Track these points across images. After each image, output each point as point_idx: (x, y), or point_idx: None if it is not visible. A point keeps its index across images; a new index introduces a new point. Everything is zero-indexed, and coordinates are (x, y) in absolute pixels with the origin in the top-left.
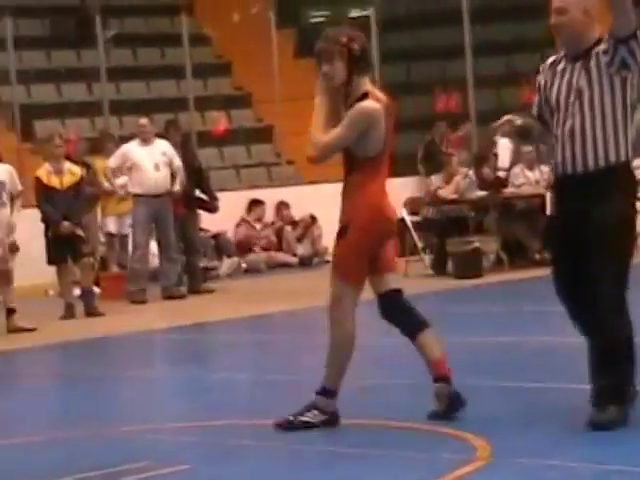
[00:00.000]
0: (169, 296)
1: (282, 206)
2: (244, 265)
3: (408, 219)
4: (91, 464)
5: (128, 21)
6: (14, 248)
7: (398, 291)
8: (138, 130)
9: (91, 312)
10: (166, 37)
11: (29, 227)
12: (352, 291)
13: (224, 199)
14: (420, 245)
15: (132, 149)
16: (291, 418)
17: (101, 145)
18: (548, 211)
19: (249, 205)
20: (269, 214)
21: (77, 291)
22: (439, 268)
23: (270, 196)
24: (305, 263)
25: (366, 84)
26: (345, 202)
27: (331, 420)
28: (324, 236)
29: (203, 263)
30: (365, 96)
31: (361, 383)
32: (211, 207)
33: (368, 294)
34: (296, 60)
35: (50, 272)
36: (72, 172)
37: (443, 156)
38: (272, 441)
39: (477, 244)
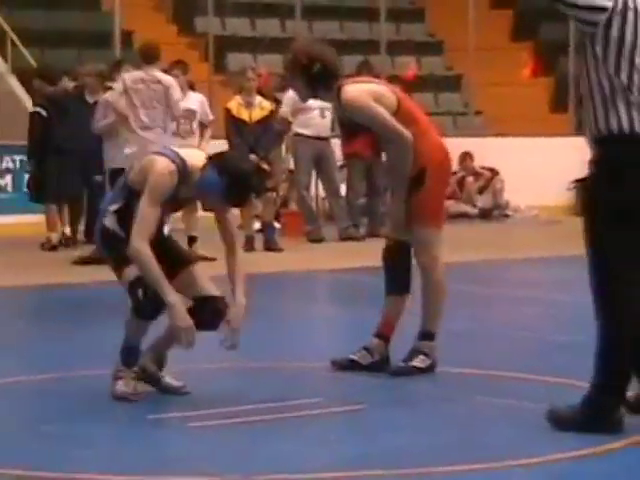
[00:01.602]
0: (347, 237)
1: (466, 156)
2: None
3: None
4: (266, 396)
5: None
6: None
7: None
8: None
9: (270, 247)
10: None
11: None
12: (438, 235)
13: None
14: None
15: None
16: (402, 364)
17: None
18: None
19: None
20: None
21: (257, 225)
22: None
23: (455, 145)
24: (485, 215)
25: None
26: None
27: (434, 364)
28: (506, 189)
29: (384, 207)
30: (339, 90)
31: (554, 339)
32: None
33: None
34: (491, 10)
35: None
36: (262, 107)
37: None
38: (451, 389)
39: None
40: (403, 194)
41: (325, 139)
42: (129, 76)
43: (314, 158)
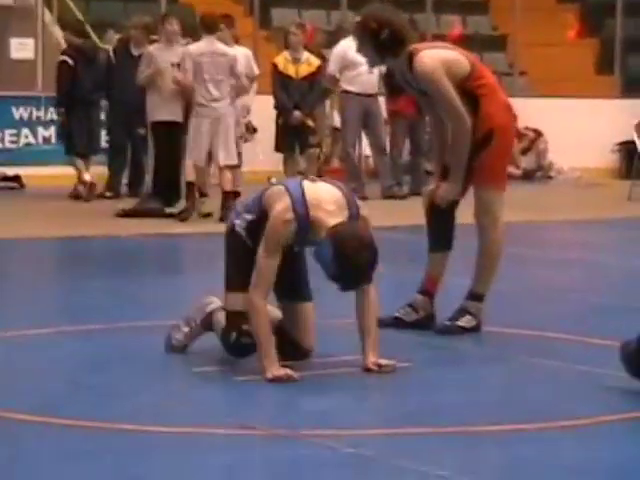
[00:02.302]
0: (390, 195)
1: None
2: None
3: (638, 142)
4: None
5: None
6: (252, 128)
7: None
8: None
9: None
10: None
11: (257, 114)
12: (500, 196)
13: None
14: None
15: (347, 49)
16: (448, 323)
17: (336, 39)
18: None
19: None
20: None
21: None
22: None
23: None
24: (528, 176)
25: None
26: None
27: (479, 325)
28: (549, 151)
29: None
30: (411, 56)
31: (598, 301)
32: None
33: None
34: None
35: (273, 161)
36: (309, 62)
37: None
38: (496, 349)
39: None
40: (459, 175)
41: (373, 96)
42: (194, 49)
43: (361, 115)
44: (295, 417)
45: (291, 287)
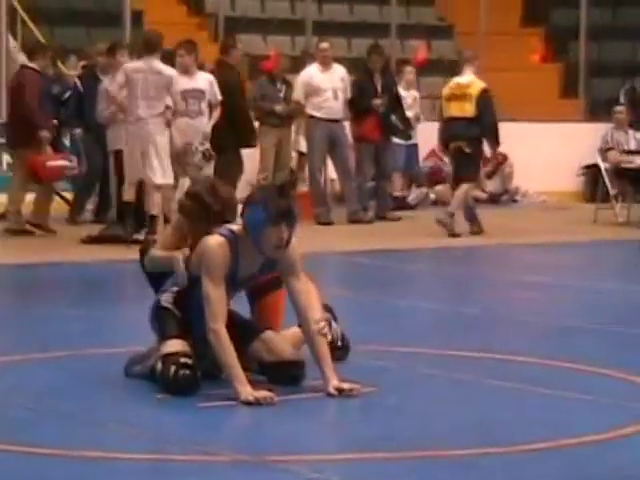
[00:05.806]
0: (355, 220)
1: None
2: (432, 196)
3: (602, 166)
4: None
5: None
6: (208, 155)
7: None
8: (319, 54)
9: None
10: None
11: None
12: None
13: (418, 129)
14: (612, 193)
15: (313, 75)
16: None
17: (302, 64)
18: None
19: None
20: None
21: None
22: None
23: None
24: (494, 200)
25: None
26: None
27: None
28: (515, 174)
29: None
30: None
31: (560, 323)
32: (404, 134)
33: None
34: None
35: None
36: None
37: None
38: (460, 373)
39: None
40: None
41: (338, 121)
42: (130, 67)
43: (327, 140)
44: (259, 442)
45: (243, 337)
